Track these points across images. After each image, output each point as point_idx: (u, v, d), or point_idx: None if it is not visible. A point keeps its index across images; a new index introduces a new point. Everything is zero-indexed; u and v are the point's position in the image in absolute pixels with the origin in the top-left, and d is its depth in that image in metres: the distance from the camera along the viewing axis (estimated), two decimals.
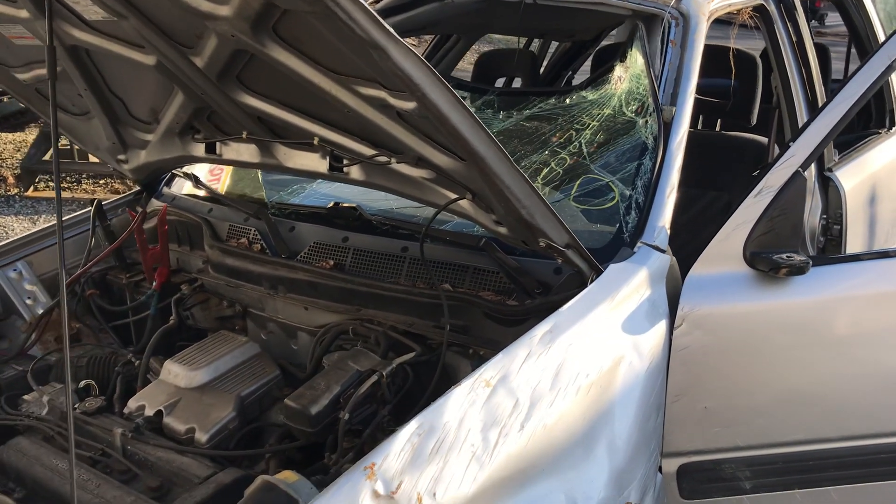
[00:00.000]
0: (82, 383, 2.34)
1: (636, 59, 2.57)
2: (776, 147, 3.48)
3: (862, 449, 2.30)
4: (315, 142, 2.20)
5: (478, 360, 2.12)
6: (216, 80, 2.15)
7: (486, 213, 2.06)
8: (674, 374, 2.14)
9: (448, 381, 2.12)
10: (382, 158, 2.10)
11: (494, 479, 1.68)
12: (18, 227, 7.37)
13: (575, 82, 4.25)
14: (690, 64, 2.53)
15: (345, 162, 2.28)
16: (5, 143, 10.48)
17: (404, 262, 2.33)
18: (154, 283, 2.71)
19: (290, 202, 2.81)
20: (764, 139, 3.50)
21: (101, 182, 8.70)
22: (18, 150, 10.09)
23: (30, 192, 8.40)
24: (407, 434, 1.59)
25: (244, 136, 2.38)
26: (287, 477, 1.70)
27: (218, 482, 1.85)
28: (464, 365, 2.16)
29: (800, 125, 3.11)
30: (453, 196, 2.09)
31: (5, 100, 10.37)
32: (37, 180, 8.60)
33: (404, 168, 2.12)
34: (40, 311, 2.79)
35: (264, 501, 1.63)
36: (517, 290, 2.15)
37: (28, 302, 2.80)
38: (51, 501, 1.91)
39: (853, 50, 4.36)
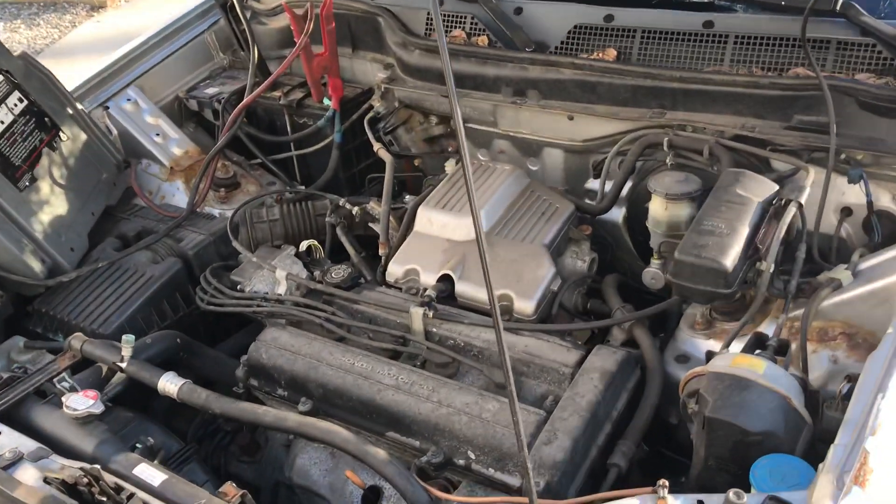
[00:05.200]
0: (303, 245, 1.77)
1: None
2: None
3: None
4: None
5: (856, 170, 1.58)
6: None
7: None
8: None
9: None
10: None
11: None
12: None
13: None
14: None
15: None
16: None
17: (724, 42, 1.71)
18: (330, 101, 2.06)
19: None
20: None
21: None
22: None
23: None
24: None
25: None
26: (752, 364, 1.21)
27: (602, 372, 1.35)
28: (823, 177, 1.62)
29: None
30: None
31: None
32: None
33: None
34: (174, 150, 2.15)
35: (746, 405, 1.15)
36: None
37: (157, 139, 2.15)
38: (359, 413, 1.40)
39: None
